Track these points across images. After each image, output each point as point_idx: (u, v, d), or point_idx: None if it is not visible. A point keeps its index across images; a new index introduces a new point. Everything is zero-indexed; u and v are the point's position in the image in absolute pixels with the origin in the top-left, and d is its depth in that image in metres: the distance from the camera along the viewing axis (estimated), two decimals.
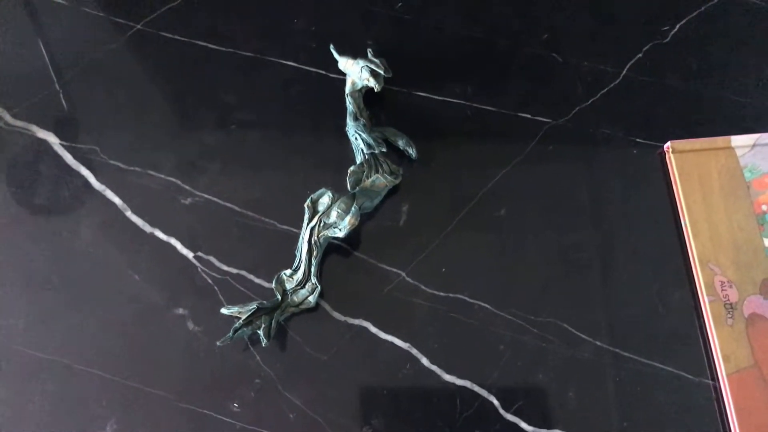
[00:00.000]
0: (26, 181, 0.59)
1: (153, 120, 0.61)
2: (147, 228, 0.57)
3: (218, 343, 0.51)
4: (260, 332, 0.51)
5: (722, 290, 0.53)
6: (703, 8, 0.64)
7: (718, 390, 0.51)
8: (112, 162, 0.59)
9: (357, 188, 0.55)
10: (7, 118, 0.60)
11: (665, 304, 0.54)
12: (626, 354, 0.53)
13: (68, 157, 0.59)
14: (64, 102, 0.61)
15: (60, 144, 0.59)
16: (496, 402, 0.52)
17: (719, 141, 0.58)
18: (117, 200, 0.58)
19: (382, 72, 0.56)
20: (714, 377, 0.52)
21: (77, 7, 0.64)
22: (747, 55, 0.62)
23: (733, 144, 0.57)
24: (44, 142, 0.60)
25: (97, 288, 0.55)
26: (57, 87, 0.62)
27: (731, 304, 0.53)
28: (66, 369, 0.53)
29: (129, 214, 0.57)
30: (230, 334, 0.51)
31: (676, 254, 0.56)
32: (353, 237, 0.56)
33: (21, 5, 0.65)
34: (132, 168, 0.59)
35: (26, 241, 0.57)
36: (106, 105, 0.61)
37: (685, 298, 0.54)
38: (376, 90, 0.56)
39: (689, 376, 0.52)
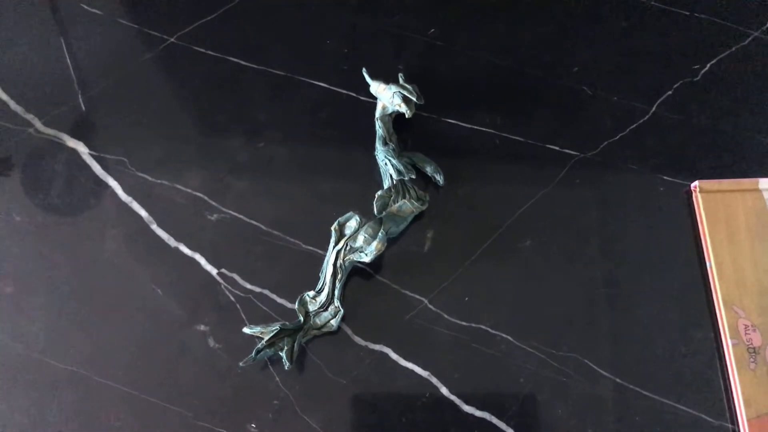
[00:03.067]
0: (53, 189, 0.59)
1: (182, 134, 0.61)
2: (172, 242, 0.57)
3: (241, 364, 0.51)
4: (283, 354, 0.51)
5: (746, 334, 0.53)
6: (733, 48, 0.64)
7: None
8: (140, 174, 0.59)
9: (384, 213, 0.55)
10: (38, 125, 0.61)
11: (687, 345, 0.54)
12: (646, 393, 0.53)
13: (96, 167, 0.59)
14: (95, 112, 0.61)
15: (89, 153, 0.60)
16: None
17: (747, 183, 0.58)
18: (143, 213, 0.58)
19: (414, 99, 0.56)
20: (734, 421, 0.52)
21: (112, 18, 0.65)
22: None
23: (760, 186, 0.57)
24: (73, 151, 0.60)
25: (119, 300, 0.55)
26: (89, 96, 0.62)
27: (754, 348, 0.53)
28: (84, 380, 0.53)
29: (154, 227, 0.57)
30: (252, 354, 0.51)
31: (699, 295, 0.56)
32: (377, 261, 0.56)
33: (57, 15, 0.65)
34: (159, 181, 0.59)
35: (50, 250, 0.57)
36: (137, 116, 0.61)
37: (708, 340, 0.54)
38: (407, 116, 0.57)
39: (709, 419, 0.52)
